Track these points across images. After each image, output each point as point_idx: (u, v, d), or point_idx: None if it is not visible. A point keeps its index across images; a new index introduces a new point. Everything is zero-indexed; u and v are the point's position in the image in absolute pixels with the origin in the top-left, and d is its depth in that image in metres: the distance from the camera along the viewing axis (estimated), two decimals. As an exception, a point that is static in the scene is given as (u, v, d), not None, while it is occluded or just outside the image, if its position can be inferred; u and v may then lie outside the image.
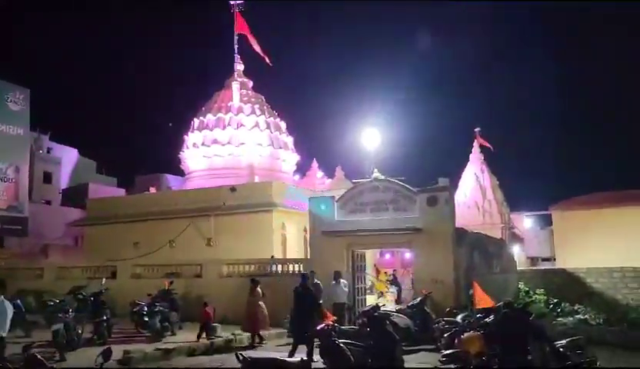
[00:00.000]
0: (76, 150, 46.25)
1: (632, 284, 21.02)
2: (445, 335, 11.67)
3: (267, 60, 28.77)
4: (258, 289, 14.44)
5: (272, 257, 19.19)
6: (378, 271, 24.15)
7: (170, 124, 29.25)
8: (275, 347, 13.80)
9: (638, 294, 20.45)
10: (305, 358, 10.42)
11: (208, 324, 14.01)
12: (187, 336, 14.29)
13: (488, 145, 33.60)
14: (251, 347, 13.58)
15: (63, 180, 42.52)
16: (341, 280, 15.29)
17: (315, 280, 14.91)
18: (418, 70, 78.40)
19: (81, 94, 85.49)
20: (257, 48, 28.69)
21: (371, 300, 18.51)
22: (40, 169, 39.21)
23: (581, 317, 16.78)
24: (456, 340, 10.07)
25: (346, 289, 15.45)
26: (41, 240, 31.83)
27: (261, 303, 14.25)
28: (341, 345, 9.42)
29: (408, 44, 77.56)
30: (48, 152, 42.78)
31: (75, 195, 37.98)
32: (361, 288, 17.21)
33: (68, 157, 44.25)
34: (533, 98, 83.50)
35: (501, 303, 9.79)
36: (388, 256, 29.10)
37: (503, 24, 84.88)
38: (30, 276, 21.91)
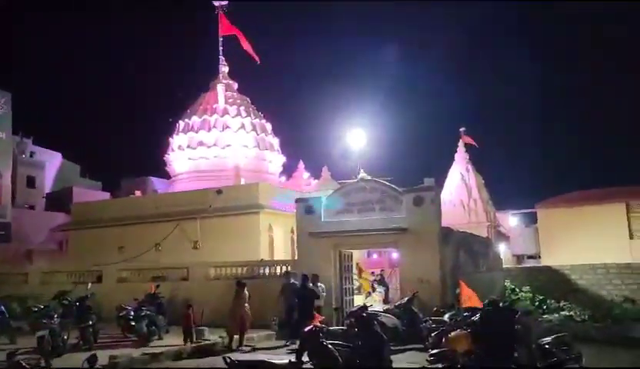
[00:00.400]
0: (60, 154, 45.76)
1: (616, 281, 21.24)
2: (433, 334, 11.72)
3: (256, 58, 28.51)
4: (245, 291, 14.38)
5: (262, 260, 19.15)
6: (360, 271, 24.17)
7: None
8: (263, 349, 13.78)
9: (621, 290, 20.66)
10: (294, 360, 10.44)
11: (188, 327, 13.89)
12: (174, 340, 14.18)
13: (473, 143, 33.77)
14: (238, 349, 13.52)
15: (47, 184, 42.03)
16: (319, 284, 15.30)
17: (292, 280, 15.09)
18: (403, 70, 78.79)
19: (64, 97, 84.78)
20: (246, 46, 28.41)
21: (359, 300, 18.54)
22: (23, 173, 38.72)
23: (567, 314, 16.91)
24: (443, 339, 10.12)
25: (324, 293, 15.47)
26: (25, 245, 31.40)
27: (246, 305, 14.19)
28: (329, 346, 9.44)
29: (394, 44, 77.91)
30: (32, 156, 42.27)
31: (59, 199, 37.52)
32: (349, 289, 17.22)
33: (51, 162, 43.76)
34: (518, 97, 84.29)
35: (487, 301, 9.85)
36: (375, 256, 29.17)
37: (488, 23, 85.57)
38: (14, 281, 21.63)
